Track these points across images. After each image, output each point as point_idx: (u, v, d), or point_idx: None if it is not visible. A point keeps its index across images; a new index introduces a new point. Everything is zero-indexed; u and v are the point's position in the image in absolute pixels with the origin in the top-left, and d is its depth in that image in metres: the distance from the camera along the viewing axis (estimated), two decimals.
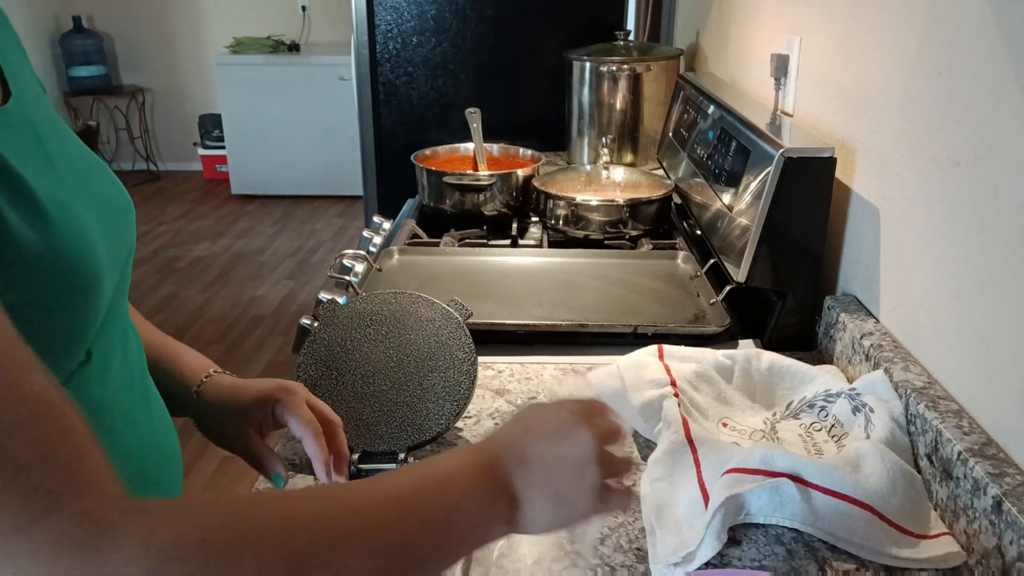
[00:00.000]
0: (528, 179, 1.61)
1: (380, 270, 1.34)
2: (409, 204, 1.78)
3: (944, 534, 0.74)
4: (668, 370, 0.95)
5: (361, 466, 0.84)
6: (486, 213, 1.60)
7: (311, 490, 0.49)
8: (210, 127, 5.45)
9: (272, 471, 0.77)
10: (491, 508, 0.54)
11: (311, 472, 0.79)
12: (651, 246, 1.46)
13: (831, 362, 1.06)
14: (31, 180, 0.52)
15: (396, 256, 1.39)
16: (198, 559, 0.41)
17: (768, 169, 1.07)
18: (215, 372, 0.80)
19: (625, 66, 1.90)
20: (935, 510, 0.78)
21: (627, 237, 1.49)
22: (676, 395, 0.90)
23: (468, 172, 1.64)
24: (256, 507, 0.47)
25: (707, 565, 0.70)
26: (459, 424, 0.94)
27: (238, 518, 0.44)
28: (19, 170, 0.52)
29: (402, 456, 0.84)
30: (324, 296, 1.33)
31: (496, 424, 0.92)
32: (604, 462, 0.57)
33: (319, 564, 0.44)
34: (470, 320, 0.94)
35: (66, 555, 0.38)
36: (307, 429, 0.75)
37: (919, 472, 0.81)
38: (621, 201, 1.49)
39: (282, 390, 0.78)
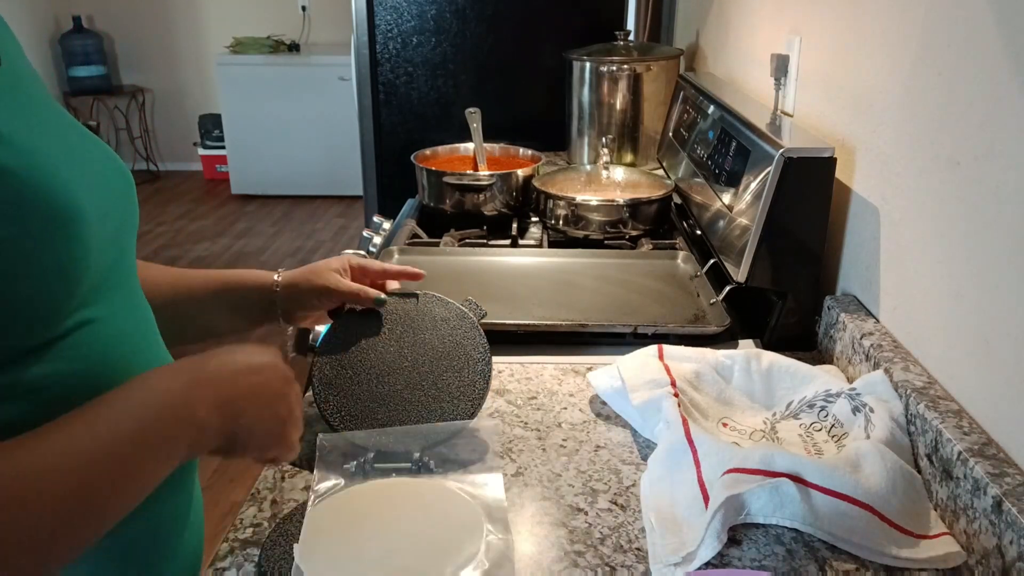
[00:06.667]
0: (528, 179, 1.61)
1: None
2: (409, 204, 1.78)
3: (944, 534, 0.74)
4: (668, 370, 0.95)
5: (376, 465, 0.84)
6: (486, 213, 1.60)
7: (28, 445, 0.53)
8: (210, 127, 5.45)
9: (375, 296, 0.94)
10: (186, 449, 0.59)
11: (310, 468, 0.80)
12: (651, 246, 1.46)
13: (831, 362, 1.06)
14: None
15: (396, 256, 1.39)
16: None
17: (768, 169, 1.07)
18: (281, 270, 0.94)
19: (625, 66, 1.90)
20: (935, 510, 0.78)
21: (627, 237, 1.49)
22: (676, 395, 0.90)
23: (468, 172, 1.64)
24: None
25: (707, 565, 0.70)
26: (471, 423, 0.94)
27: None
28: None
29: (417, 455, 0.84)
30: None
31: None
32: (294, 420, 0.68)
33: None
34: None
35: None
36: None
37: (919, 472, 0.81)
38: (621, 201, 1.49)
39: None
